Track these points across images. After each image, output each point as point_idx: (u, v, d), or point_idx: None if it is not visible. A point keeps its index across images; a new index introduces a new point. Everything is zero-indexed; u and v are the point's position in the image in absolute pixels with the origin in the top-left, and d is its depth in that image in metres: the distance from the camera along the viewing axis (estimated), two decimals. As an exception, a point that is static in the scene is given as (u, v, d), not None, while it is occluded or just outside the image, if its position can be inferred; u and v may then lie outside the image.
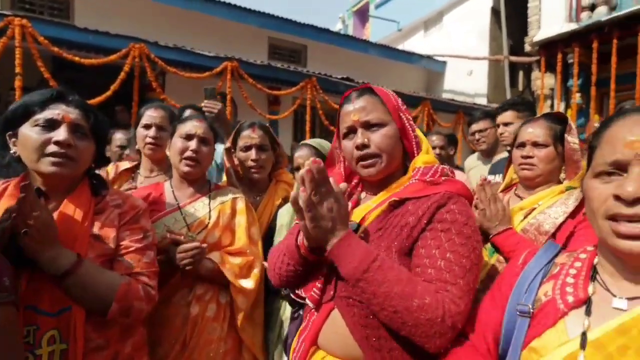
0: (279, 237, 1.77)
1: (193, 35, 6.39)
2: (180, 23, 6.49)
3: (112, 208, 1.26)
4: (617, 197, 0.67)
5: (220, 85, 5.22)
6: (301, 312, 1.26)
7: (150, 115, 1.91)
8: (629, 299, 0.69)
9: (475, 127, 3.07)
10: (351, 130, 1.10)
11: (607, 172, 0.70)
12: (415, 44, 10.20)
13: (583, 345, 0.68)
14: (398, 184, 1.10)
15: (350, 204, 1.15)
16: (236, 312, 1.55)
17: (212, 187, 1.72)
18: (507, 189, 1.61)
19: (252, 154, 1.89)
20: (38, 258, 1.04)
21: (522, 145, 1.45)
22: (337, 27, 12.17)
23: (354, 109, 1.09)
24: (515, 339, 0.79)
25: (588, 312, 0.72)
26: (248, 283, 1.56)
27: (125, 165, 2.04)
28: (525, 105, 2.50)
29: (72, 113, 1.18)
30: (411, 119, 1.17)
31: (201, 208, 1.63)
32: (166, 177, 1.89)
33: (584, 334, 0.69)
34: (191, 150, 1.56)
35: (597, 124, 6.08)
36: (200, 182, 1.68)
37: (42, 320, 1.07)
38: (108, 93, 4.43)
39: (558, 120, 1.44)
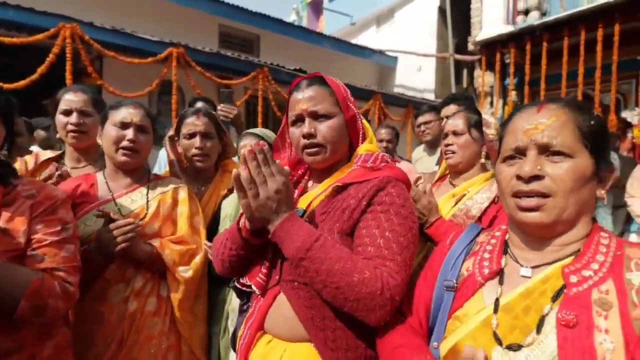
0: (223, 228, 1.73)
1: (135, 18, 6.02)
2: (121, 4, 6.09)
3: (23, 199, 1.16)
4: (518, 177, 0.77)
5: (165, 72, 4.98)
6: (250, 304, 1.26)
7: (70, 99, 1.74)
8: (533, 267, 0.79)
9: (421, 119, 3.24)
10: (299, 119, 1.12)
11: (511, 157, 0.80)
12: (368, 39, 10.37)
13: (496, 309, 0.77)
14: (342, 171, 1.14)
15: (297, 192, 1.18)
16: (173, 302, 1.50)
17: (152, 177, 1.64)
18: (442, 177, 1.72)
19: (197, 141, 1.82)
20: None
21: (446, 135, 1.61)
22: (291, 18, 12.05)
23: (303, 98, 1.11)
24: (442, 311, 0.87)
25: (501, 282, 0.81)
26: (187, 272, 1.51)
27: (46, 154, 1.85)
28: (465, 100, 2.66)
29: None
30: (357, 110, 1.21)
31: (139, 199, 1.55)
32: (95, 167, 1.76)
33: (497, 300, 0.78)
34: (128, 140, 1.47)
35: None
36: (138, 172, 1.59)
37: None
38: (33, 77, 4.03)
39: (476, 111, 1.61)
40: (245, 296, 1.26)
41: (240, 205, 1.00)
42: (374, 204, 1.04)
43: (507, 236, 0.88)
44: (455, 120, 1.60)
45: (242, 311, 1.31)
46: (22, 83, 3.97)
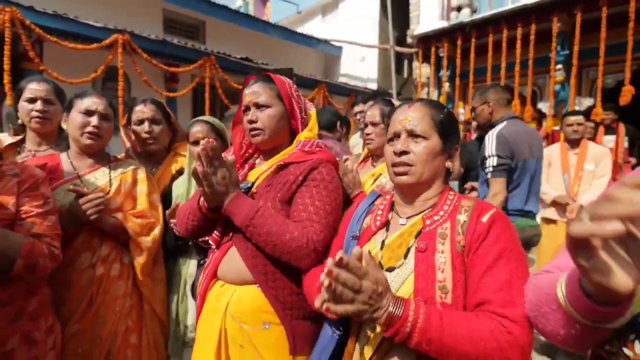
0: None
1: (76, 1, 5.82)
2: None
3: (9, 177, 1.33)
4: (394, 152, 1.10)
5: (110, 58, 4.92)
6: (207, 259, 1.51)
7: (35, 88, 1.89)
8: (407, 217, 1.12)
9: (356, 108, 3.58)
10: (247, 108, 1.41)
11: (392, 139, 1.14)
12: (314, 28, 10.61)
13: (382, 247, 1.10)
14: (284, 153, 1.42)
15: (247, 167, 1.47)
16: (136, 267, 1.70)
17: (112, 159, 1.83)
18: (365, 159, 2.05)
19: (145, 126, 2.02)
20: None
21: (366, 125, 1.90)
22: (236, 4, 11.92)
23: (249, 92, 1.40)
24: (349, 254, 1.17)
25: (387, 229, 1.14)
26: (147, 241, 1.72)
27: (8, 139, 1.98)
28: (382, 95, 3.01)
29: None
30: (303, 103, 1.49)
31: (101, 177, 1.73)
32: (55, 150, 1.92)
33: (383, 242, 1.11)
34: (93, 126, 1.65)
35: (461, 109, 7.25)
36: (99, 154, 1.77)
37: None
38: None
39: (390, 103, 1.88)
40: (202, 252, 1.54)
41: (201, 192, 1.28)
42: (308, 179, 1.34)
43: (394, 198, 1.20)
44: (372, 111, 1.88)
45: (199, 265, 1.57)
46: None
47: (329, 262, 0.83)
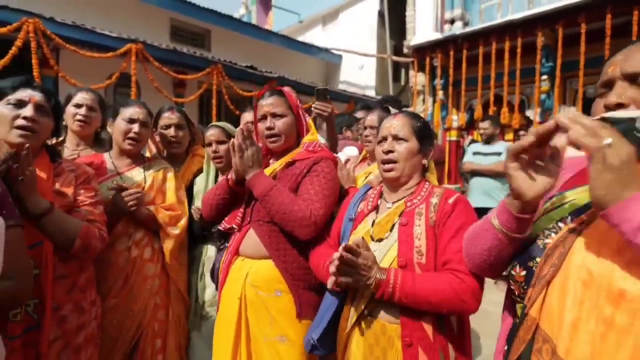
0: (198, 200, 2.25)
1: (88, 10, 6.13)
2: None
3: (67, 172, 1.59)
4: (382, 151, 1.41)
5: (125, 66, 5.25)
6: (226, 244, 1.80)
7: (83, 96, 2.20)
8: (393, 202, 1.43)
9: (358, 115, 3.95)
10: (263, 117, 1.72)
11: (380, 142, 1.44)
12: (315, 37, 10.98)
13: (372, 225, 1.40)
14: (293, 153, 1.73)
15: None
16: (165, 252, 1.95)
17: (145, 159, 2.13)
18: (364, 159, 2.37)
19: (172, 131, 2.30)
20: (26, 200, 1.34)
21: (366, 128, 2.15)
22: (240, 12, 12.30)
23: (266, 103, 1.71)
24: (346, 233, 1.48)
25: (377, 212, 1.45)
26: (175, 230, 1.99)
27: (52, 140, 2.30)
28: (392, 102, 3.32)
29: (37, 96, 1.50)
30: (304, 112, 1.82)
31: (137, 175, 2.03)
32: (92, 150, 2.21)
33: (373, 221, 1.41)
34: (134, 132, 1.95)
35: (454, 116, 7.59)
36: (136, 155, 2.07)
37: None
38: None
39: (388, 110, 2.11)
40: (223, 238, 1.84)
41: (233, 166, 1.59)
42: (311, 171, 1.65)
43: (383, 188, 1.51)
44: (372, 116, 2.13)
45: (219, 249, 1.86)
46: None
47: (340, 249, 1.20)
